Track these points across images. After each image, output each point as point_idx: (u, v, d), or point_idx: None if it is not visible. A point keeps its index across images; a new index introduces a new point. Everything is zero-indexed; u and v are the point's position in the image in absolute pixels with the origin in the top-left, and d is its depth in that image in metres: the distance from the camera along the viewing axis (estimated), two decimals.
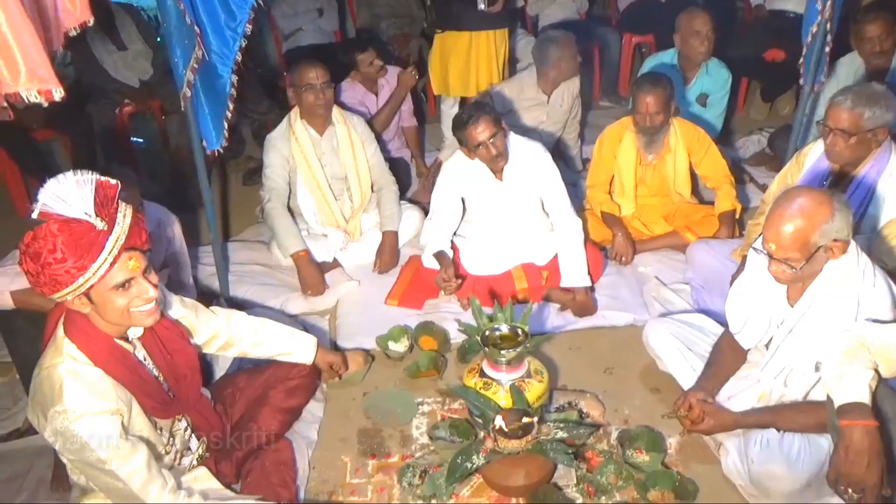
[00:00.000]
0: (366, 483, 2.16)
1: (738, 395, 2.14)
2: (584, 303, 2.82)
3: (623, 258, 3.11)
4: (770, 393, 2.05)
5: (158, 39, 4.15)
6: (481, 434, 2.11)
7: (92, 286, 1.54)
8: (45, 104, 1.57)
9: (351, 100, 3.66)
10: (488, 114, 2.68)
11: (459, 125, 2.71)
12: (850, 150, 2.33)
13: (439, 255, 2.90)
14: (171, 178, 4.02)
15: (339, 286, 3.07)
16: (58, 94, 1.56)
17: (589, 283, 2.86)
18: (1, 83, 1.50)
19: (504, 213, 2.92)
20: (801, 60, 2.85)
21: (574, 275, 2.84)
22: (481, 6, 3.61)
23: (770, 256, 1.84)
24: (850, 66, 3.46)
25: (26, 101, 1.53)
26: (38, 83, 1.52)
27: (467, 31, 3.68)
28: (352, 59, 3.65)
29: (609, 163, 3.25)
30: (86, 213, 1.51)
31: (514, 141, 2.84)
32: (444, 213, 2.96)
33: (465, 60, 3.76)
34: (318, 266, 3.08)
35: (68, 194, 1.50)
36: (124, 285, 1.59)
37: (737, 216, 3.17)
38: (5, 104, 1.55)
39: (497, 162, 2.76)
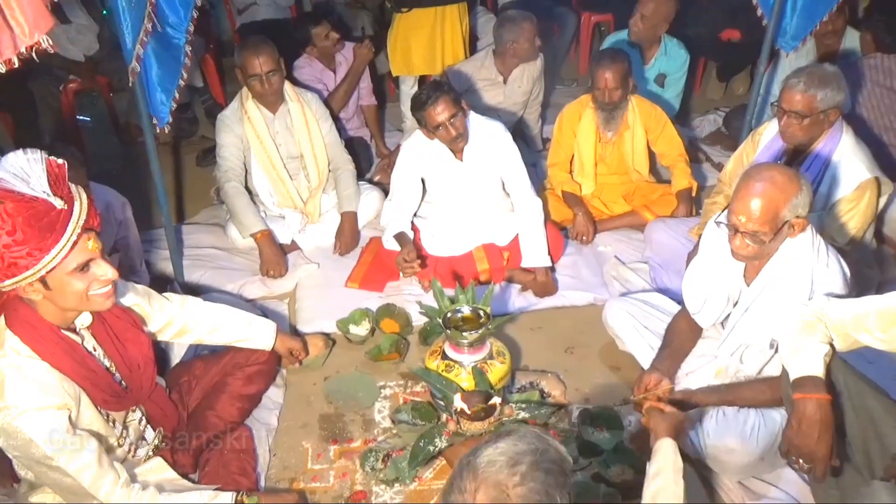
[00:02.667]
0: (328, 469, 2.14)
1: (695, 371, 2.18)
2: (544, 283, 2.83)
3: (584, 237, 3.13)
4: (726, 369, 2.10)
5: (104, 12, 3.98)
6: (444, 417, 2.11)
7: (52, 269, 1.48)
8: None
9: (308, 77, 3.57)
10: (447, 94, 2.64)
11: (418, 106, 2.66)
12: (804, 131, 2.37)
13: (400, 237, 2.87)
14: (120, 159, 3.88)
15: (298, 269, 3.02)
16: None
17: (549, 264, 2.87)
18: None
19: (464, 193, 2.90)
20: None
21: (534, 255, 2.84)
22: None
23: (735, 230, 1.85)
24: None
25: None
26: None
27: (433, 6, 3.61)
28: (307, 33, 3.56)
29: (569, 141, 3.25)
30: (44, 192, 1.44)
31: (475, 121, 2.81)
32: (403, 194, 2.92)
33: (430, 37, 3.69)
34: (279, 246, 3.02)
35: (24, 172, 1.43)
36: (84, 268, 1.53)
37: (693, 194, 3.22)
38: None
39: (457, 143, 2.73)
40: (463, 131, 2.70)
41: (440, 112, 2.62)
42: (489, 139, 2.83)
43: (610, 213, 3.28)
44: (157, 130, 2.55)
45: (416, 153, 2.86)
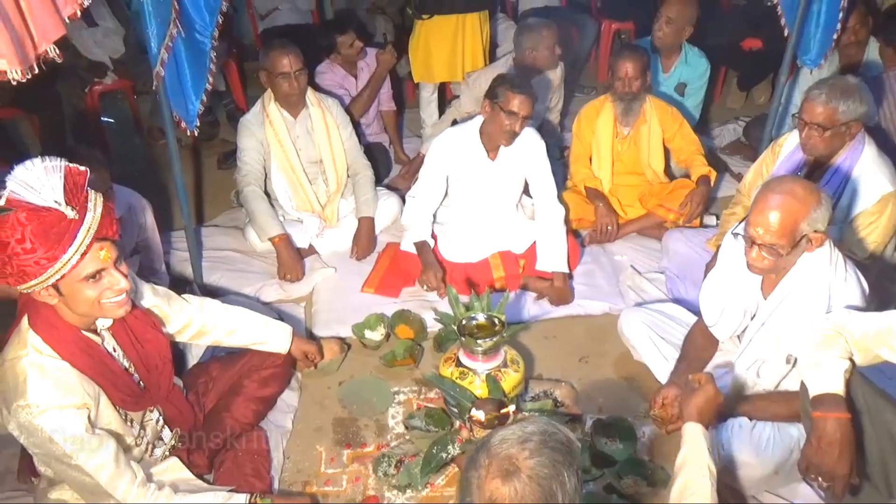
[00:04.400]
0: (341, 473, 2.15)
1: None
2: (561, 290, 2.83)
3: (609, 227, 3.13)
4: (743, 384, 2.08)
5: (130, 15, 4.06)
6: (457, 423, 2.11)
7: (62, 277, 1.50)
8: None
9: (330, 82, 3.60)
10: (534, 97, 2.68)
11: (511, 84, 2.64)
12: (825, 143, 2.35)
13: (421, 248, 2.87)
14: (142, 161, 3.94)
15: (315, 273, 3.04)
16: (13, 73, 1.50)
17: (567, 269, 2.86)
18: None
19: (488, 194, 2.90)
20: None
21: (553, 259, 2.84)
22: None
23: (752, 242, 1.83)
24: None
25: None
26: None
27: (455, 13, 3.64)
28: (332, 41, 3.59)
29: (587, 137, 3.29)
30: (56, 202, 1.46)
31: None
32: (428, 190, 2.92)
33: (452, 44, 3.72)
34: (296, 250, 3.04)
35: (37, 181, 1.45)
36: (95, 276, 1.54)
37: (712, 183, 3.22)
38: None
39: (506, 139, 2.73)
40: (518, 134, 2.73)
41: (522, 106, 2.64)
42: (522, 141, 2.83)
43: (626, 216, 3.28)
44: (188, 133, 2.58)
45: (449, 148, 2.85)
